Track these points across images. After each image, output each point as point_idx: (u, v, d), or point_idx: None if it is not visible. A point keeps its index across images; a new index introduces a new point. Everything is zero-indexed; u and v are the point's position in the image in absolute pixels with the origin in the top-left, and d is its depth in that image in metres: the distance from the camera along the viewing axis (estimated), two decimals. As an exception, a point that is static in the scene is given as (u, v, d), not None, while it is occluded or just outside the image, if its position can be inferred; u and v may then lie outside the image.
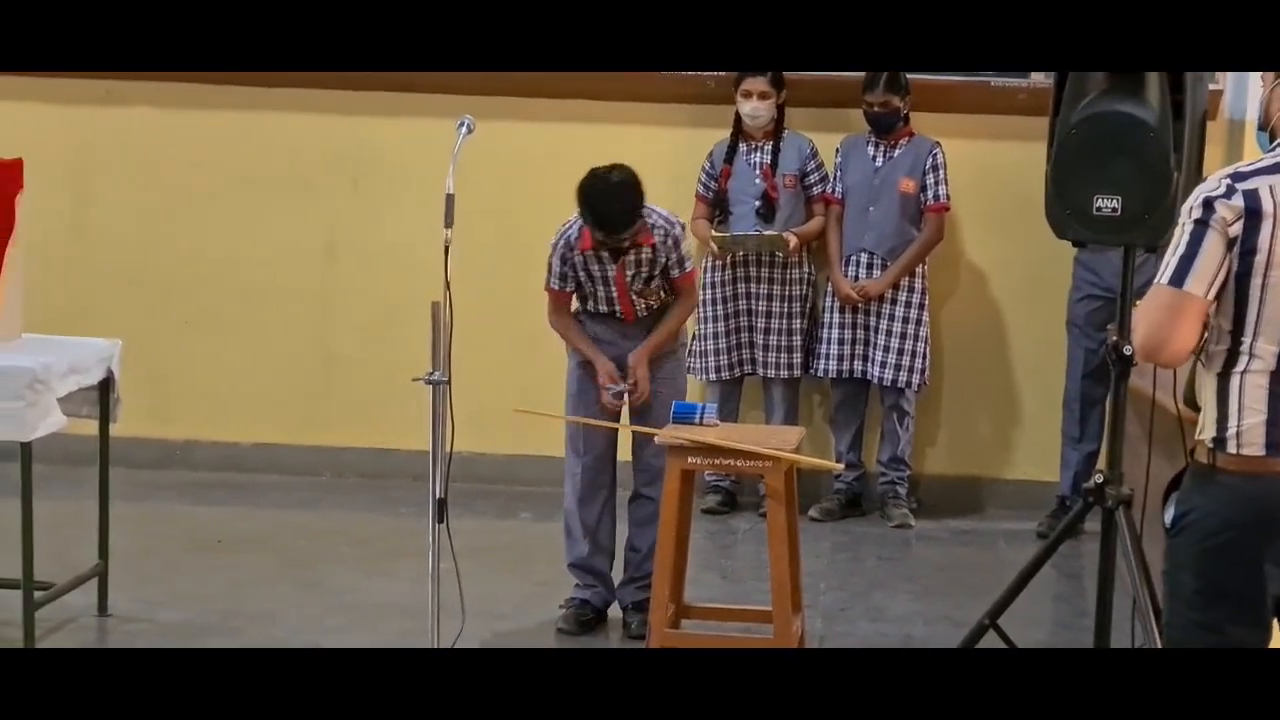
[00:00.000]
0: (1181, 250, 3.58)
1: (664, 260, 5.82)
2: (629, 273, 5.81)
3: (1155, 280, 3.62)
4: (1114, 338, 4.98)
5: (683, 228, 5.96)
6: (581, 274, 5.84)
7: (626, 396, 5.89)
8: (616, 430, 5.92)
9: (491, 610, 5.95)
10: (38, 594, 5.54)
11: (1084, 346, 7.20)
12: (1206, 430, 3.66)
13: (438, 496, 4.86)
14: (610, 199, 5.67)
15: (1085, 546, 6.68)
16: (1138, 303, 5.44)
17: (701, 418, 5.54)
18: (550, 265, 5.87)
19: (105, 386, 5.81)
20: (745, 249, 7.35)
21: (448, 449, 4.85)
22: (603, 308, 5.90)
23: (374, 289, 7.84)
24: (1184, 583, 3.67)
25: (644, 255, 5.79)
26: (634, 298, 5.86)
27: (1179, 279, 3.57)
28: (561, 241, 5.84)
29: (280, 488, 7.73)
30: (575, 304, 5.98)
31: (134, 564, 6.37)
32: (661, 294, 5.92)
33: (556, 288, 5.89)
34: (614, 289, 5.84)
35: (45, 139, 7.60)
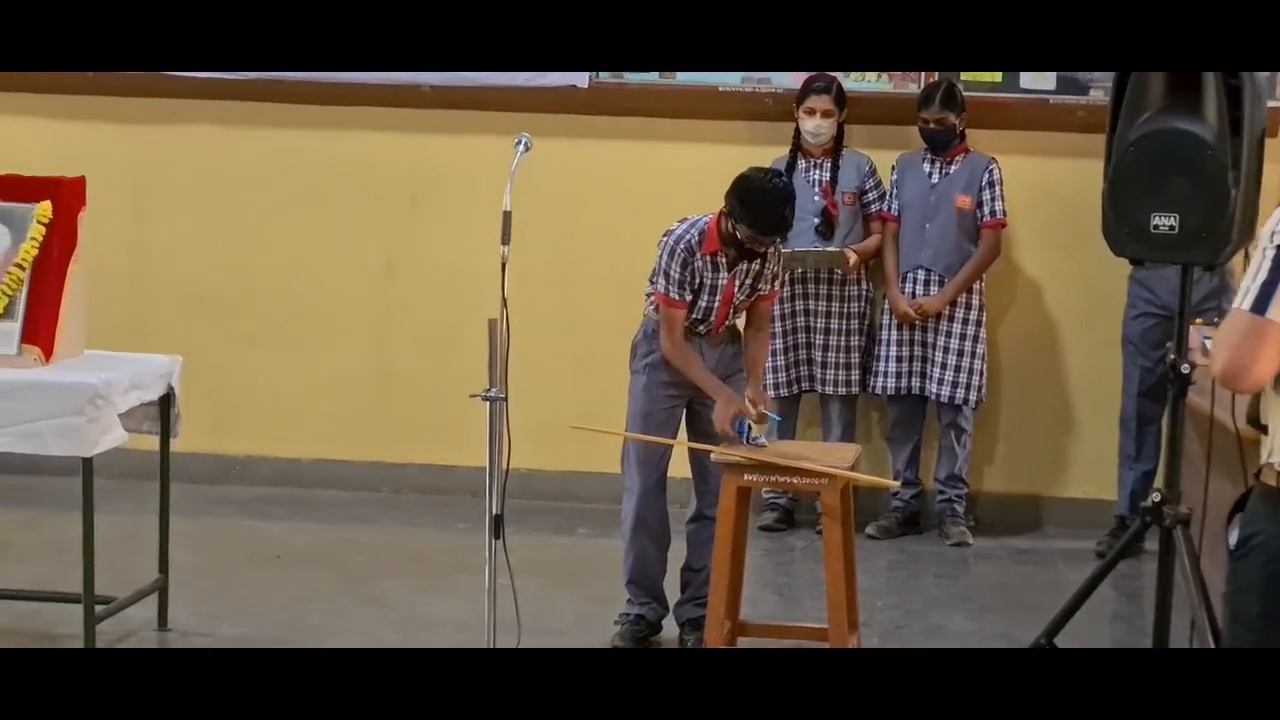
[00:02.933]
0: (1263, 276, 3.47)
1: (768, 272, 5.79)
2: (738, 282, 5.74)
3: (1234, 305, 3.53)
4: (1173, 356, 4.95)
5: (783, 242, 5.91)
6: (696, 281, 5.69)
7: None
8: (672, 449, 5.92)
9: (547, 626, 5.97)
10: (98, 608, 5.58)
11: (1139, 365, 7.16)
12: (1276, 453, 3.58)
13: (494, 513, 4.87)
14: (783, 202, 5.59)
15: (1144, 566, 6.63)
16: (1196, 320, 5.36)
17: (746, 438, 5.55)
18: (669, 274, 5.65)
19: (166, 402, 5.85)
20: (804, 265, 7.34)
21: (505, 465, 4.87)
22: (696, 315, 5.75)
23: (432, 306, 7.87)
24: (1247, 606, 3.61)
25: (754, 267, 5.73)
26: (732, 310, 5.79)
27: (1261, 306, 3.46)
28: (682, 247, 5.67)
29: (339, 503, 7.77)
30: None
31: (194, 578, 6.40)
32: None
33: (677, 297, 5.66)
34: (718, 299, 5.72)
35: (107, 157, 7.66)
